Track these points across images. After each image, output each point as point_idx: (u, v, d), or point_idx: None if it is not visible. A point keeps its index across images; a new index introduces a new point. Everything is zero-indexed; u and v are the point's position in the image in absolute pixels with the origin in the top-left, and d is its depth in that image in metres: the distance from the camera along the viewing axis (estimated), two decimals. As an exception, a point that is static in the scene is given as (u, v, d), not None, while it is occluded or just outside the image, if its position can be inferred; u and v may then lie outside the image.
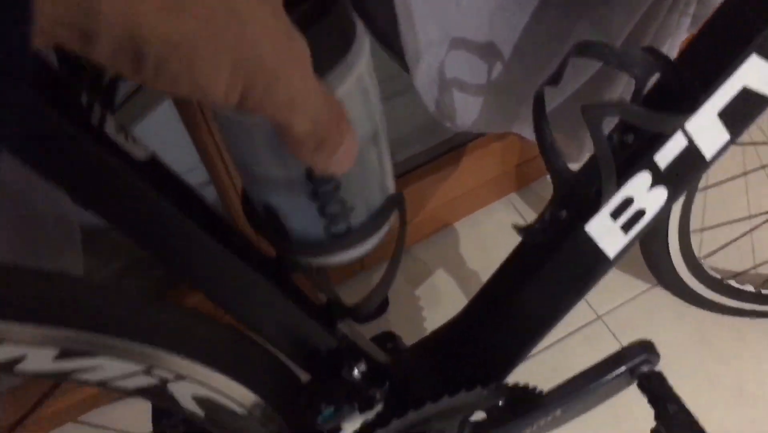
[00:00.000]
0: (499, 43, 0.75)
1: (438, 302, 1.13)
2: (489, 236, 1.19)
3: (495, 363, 0.60)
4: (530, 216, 1.21)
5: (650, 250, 0.86)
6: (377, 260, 1.13)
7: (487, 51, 0.74)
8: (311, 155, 0.29)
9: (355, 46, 0.33)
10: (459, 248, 1.18)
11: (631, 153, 0.51)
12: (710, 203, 1.06)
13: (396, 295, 1.14)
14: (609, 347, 1.15)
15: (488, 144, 1.06)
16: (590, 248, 0.54)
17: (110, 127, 0.31)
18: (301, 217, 0.38)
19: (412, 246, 1.16)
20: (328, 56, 0.32)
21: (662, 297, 1.13)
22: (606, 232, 0.54)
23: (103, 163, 0.31)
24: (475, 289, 1.13)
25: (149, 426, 0.59)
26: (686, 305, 1.06)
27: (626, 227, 0.54)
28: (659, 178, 0.52)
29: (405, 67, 0.72)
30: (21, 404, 0.82)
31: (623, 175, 0.51)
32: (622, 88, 0.75)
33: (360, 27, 0.34)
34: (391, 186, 0.42)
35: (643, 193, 0.52)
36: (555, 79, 0.47)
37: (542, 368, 0.99)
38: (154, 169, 0.35)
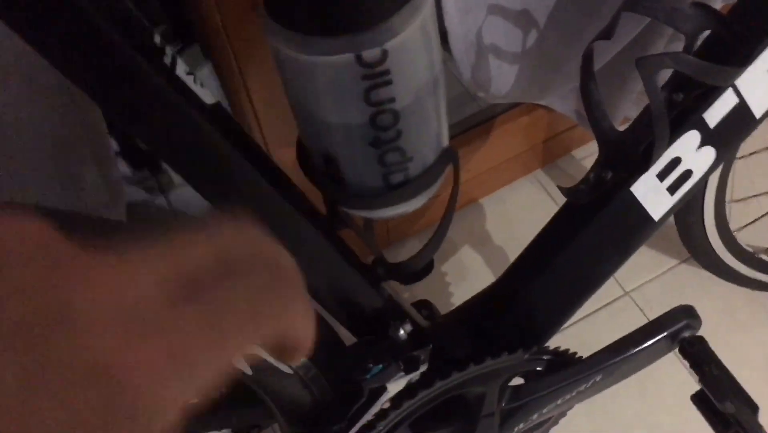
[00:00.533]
0: (533, 11, 0.74)
1: (463, 277, 1.13)
2: (515, 212, 1.18)
3: (536, 327, 0.60)
4: (555, 192, 1.20)
5: (685, 220, 0.85)
6: (404, 231, 1.13)
7: (523, 19, 0.74)
8: None
9: None
10: (485, 224, 1.18)
11: (679, 111, 0.51)
12: (744, 174, 1.05)
13: (435, 276, 1.14)
14: (637, 323, 1.13)
15: (516, 119, 1.06)
16: (636, 208, 0.54)
17: (181, 70, 0.31)
18: (359, 166, 0.38)
19: (437, 222, 1.16)
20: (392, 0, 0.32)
21: (690, 273, 1.13)
22: (652, 193, 0.53)
23: (173, 101, 0.31)
24: (500, 265, 1.13)
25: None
26: (715, 281, 1.05)
27: (672, 188, 0.54)
28: (708, 137, 0.51)
29: (440, 37, 0.71)
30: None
31: (672, 134, 0.51)
32: (663, 49, 0.75)
33: None
34: (445, 140, 0.42)
35: (691, 153, 0.52)
36: (608, 34, 0.46)
37: (571, 342, 0.99)
38: (219, 115, 0.35)
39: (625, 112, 0.89)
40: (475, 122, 1.05)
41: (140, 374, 0.16)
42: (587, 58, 0.49)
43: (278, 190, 0.39)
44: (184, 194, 1.14)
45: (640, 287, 1.12)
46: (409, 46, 0.33)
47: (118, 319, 0.16)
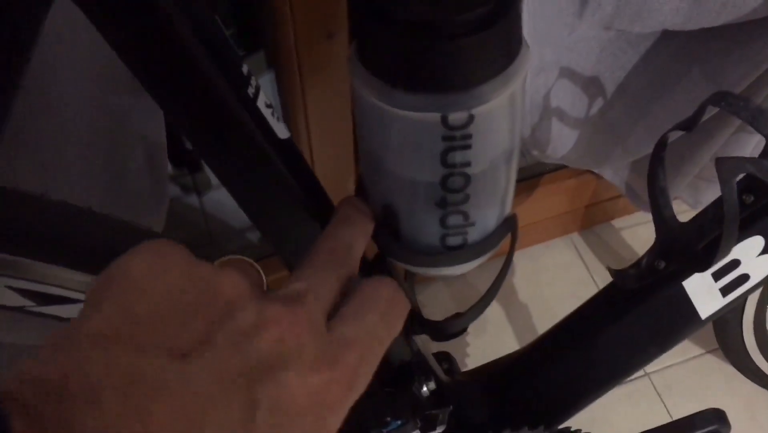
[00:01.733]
0: (603, 79, 0.73)
1: (484, 329, 1.11)
2: (545, 271, 1.16)
3: (559, 404, 0.58)
4: (589, 258, 1.18)
5: (723, 315, 0.82)
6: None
7: (591, 85, 0.73)
8: None
9: (517, 61, 0.32)
10: (513, 278, 1.16)
11: (747, 214, 0.49)
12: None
13: (442, 315, 1.12)
14: (652, 407, 1.12)
15: (563, 180, 1.04)
16: (684, 304, 0.52)
17: (261, 102, 0.31)
18: (419, 222, 0.37)
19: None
20: (488, 66, 0.31)
21: (715, 365, 1.09)
22: (704, 291, 0.52)
23: (249, 133, 0.30)
24: (523, 322, 1.11)
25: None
26: (738, 377, 1.02)
27: (726, 290, 0.52)
28: (772, 245, 0.49)
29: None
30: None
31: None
32: (726, 139, 0.73)
33: (525, 44, 0.32)
34: (509, 207, 0.40)
35: (752, 258, 0.50)
36: (689, 126, 0.45)
37: (579, 416, 0.97)
38: (290, 150, 0.34)
39: (677, 193, 0.87)
40: (521, 177, 1.03)
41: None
42: (661, 145, 0.48)
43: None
44: (218, 196, 1.14)
45: (661, 370, 1.09)
46: (495, 114, 0.32)
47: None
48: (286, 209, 0.35)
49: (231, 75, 0.29)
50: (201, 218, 1.13)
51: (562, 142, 0.74)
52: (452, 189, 0.34)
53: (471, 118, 0.31)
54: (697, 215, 0.51)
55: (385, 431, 0.48)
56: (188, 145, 1.06)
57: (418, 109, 0.30)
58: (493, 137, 0.33)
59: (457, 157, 0.33)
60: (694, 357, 1.10)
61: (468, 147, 0.32)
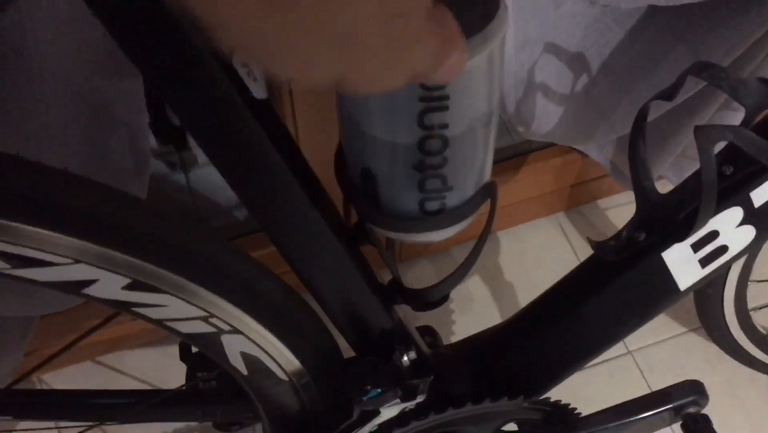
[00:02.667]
0: (588, 56, 0.73)
1: (470, 308, 1.11)
2: (530, 251, 1.17)
3: (540, 376, 0.59)
4: (574, 238, 1.18)
5: (704, 291, 0.83)
6: (417, 250, 1.12)
7: (576, 62, 0.73)
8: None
9: (494, 23, 0.32)
10: (499, 258, 1.16)
11: (727, 185, 0.49)
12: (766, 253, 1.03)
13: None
14: (635, 384, 1.13)
15: (548, 158, 1.05)
16: (663, 275, 0.52)
17: (237, 60, 0.31)
18: (398, 186, 0.37)
19: (452, 247, 1.15)
20: (464, 26, 0.31)
21: (697, 344, 1.11)
22: (683, 262, 0.52)
23: (224, 90, 0.30)
24: (509, 301, 1.12)
25: (164, 377, 0.59)
26: (719, 355, 1.03)
27: (705, 261, 0.52)
28: (751, 216, 0.50)
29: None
30: (53, 335, 0.82)
31: (715, 206, 0.49)
32: (710, 117, 0.73)
33: (504, 6, 0.32)
34: (488, 174, 0.40)
35: (731, 229, 0.51)
36: (669, 95, 0.45)
37: (564, 393, 0.98)
38: (266, 112, 0.34)
39: (661, 171, 0.88)
40: (507, 155, 1.04)
41: None
42: (642, 116, 0.48)
43: (309, 194, 0.38)
44: (204, 174, 1.13)
45: (644, 348, 1.10)
46: (473, 75, 0.32)
47: None
48: (264, 172, 0.35)
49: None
50: (188, 195, 1.12)
51: (546, 118, 0.74)
52: (430, 151, 0.34)
53: None
54: (677, 187, 0.52)
55: (365, 399, 0.48)
56: (175, 122, 1.05)
57: None
58: (471, 99, 0.33)
59: (435, 118, 0.33)
60: (677, 335, 1.11)
61: (445, 108, 0.33)
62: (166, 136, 1.08)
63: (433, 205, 0.38)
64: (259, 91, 0.32)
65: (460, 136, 0.34)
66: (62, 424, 0.59)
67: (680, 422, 0.60)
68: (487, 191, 0.40)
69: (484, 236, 0.42)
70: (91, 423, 0.57)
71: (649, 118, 0.74)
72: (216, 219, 1.09)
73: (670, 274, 0.52)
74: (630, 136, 0.49)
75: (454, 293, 1.12)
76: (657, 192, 0.50)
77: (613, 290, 0.54)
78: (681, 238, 0.49)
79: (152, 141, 1.08)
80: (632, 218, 0.52)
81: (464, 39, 0.27)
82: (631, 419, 0.59)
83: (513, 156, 1.04)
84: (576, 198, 1.18)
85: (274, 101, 0.72)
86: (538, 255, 1.16)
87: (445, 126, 0.33)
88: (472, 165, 0.37)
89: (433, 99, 0.32)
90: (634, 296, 0.54)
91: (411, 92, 0.31)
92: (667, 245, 0.51)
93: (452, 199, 0.38)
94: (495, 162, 1.09)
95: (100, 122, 0.53)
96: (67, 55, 0.49)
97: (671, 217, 0.50)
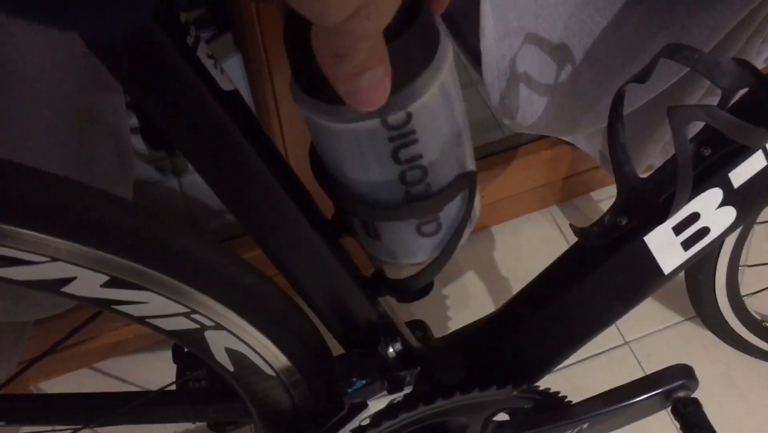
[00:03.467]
0: (571, 46, 0.73)
1: (465, 303, 1.11)
2: (525, 245, 1.17)
3: (530, 364, 0.59)
4: (568, 231, 1.19)
5: (696, 278, 0.83)
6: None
7: (559, 52, 0.73)
8: (334, 64, 0.26)
9: (438, 54, 0.34)
10: (493, 252, 1.16)
11: (705, 167, 0.49)
12: (763, 240, 1.02)
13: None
14: (632, 374, 1.12)
15: (539, 151, 1.05)
16: (646, 259, 0.52)
17: (202, 52, 0.31)
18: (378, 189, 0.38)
19: (446, 244, 1.15)
20: (412, 65, 0.33)
21: (693, 332, 1.11)
22: (665, 246, 0.52)
23: (189, 82, 0.30)
24: (503, 296, 1.12)
25: (162, 381, 0.59)
26: (717, 344, 1.03)
27: (687, 244, 0.52)
28: (730, 197, 0.50)
29: (472, 59, 0.71)
30: (47, 337, 0.82)
31: (694, 188, 0.49)
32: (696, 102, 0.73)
33: (443, 33, 0.35)
34: (470, 165, 0.41)
35: (711, 210, 0.51)
36: (642, 77, 0.45)
37: (562, 385, 0.98)
38: (235, 103, 0.34)
39: (650, 161, 0.88)
40: (497, 149, 1.04)
41: None
42: (618, 99, 0.48)
43: (285, 188, 0.39)
44: (197, 178, 1.14)
45: (640, 338, 1.10)
46: (431, 106, 0.34)
47: None
48: (235, 163, 0.35)
49: (170, 23, 0.29)
50: (181, 200, 1.13)
51: (531, 109, 0.74)
52: (412, 181, 0.37)
53: (409, 115, 0.33)
54: (656, 170, 0.52)
55: (350, 391, 0.48)
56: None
57: (360, 119, 0.32)
58: (436, 126, 0.35)
59: (408, 152, 0.35)
60: (674, 324, 1.11)
61: (415, 141, 0.35)
62: (155, 142, 1.08)
63: (416, 189, 0.38)
64: (225, 83, 0.32)
65: (435, 159, 0.36)
66: (50, 428, 0.59)
67: (670, 407, 0.59)
68: (466, 180, 0.41)
69: (464, 220, 0.42)
70: (78, 426, 0.57)
71: (632, 107, 0.74)
72: (209, 222, 1.09)
73: (653, 257, 0.52)
74: (608, 122, 0.50)
75: (449, 289, 1.13)
76: (637, 176, 0.50)
77: (598, 275, 0.54)
78: (661, 220, 0.49)
79: (142, 147, 1.09)
80: (614, 203, 0.52)
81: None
82: (622, 404, 0.59)
83: (503, 150, 1.04)
84: (569, 191, 1.18)
85: (257, 101, 0.73)
86: (533, 249, 1.16)
87: (419, 157, 0.35)
88: (453, 170, 0.39)
89: (402, 136, 0.34)
90: (619, 281, 0.54)
91: (378, 135, 0.33)
92: (648, 228, 0.51)
93: (434, 186, 0.39)
94: (485, 156, 1.09)
95: (80, 125, 0.53)
96: (47, 57, 0.50)
97: (651, 200, 0.50)
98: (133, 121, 1.05)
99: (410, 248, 0.42)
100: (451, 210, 0.41)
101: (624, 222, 0.52)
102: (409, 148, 0.35)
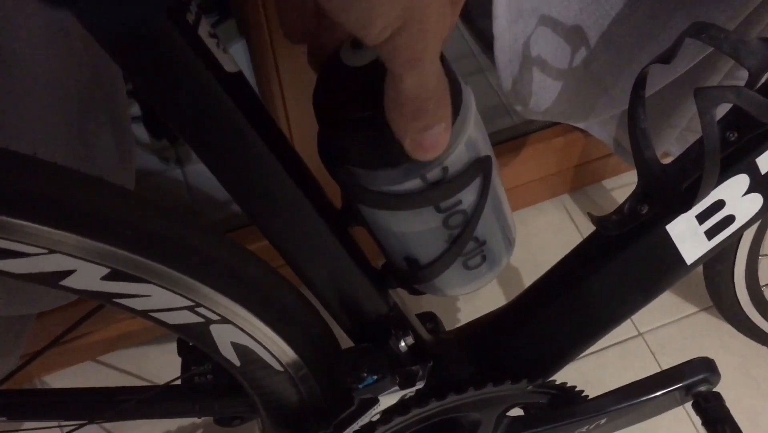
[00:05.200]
0: (586, 28, 0.71)
1: (475, 294, 1.09)
2: (536, 235, 1.15)
3: (545, 358, 0.57)
4: (580, 220, 1.16)
5: (714, 267, 0.81)
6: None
7: (574, 35, 0.71)
8: (407, 122, 0.29)
9: (462, 112, 0.34)
10: (504, 242, 1.14)
11: (731, 152, 0.47)
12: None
13: (440, 298, 1.11)
14: (646, 366, 1.11)
15: (550, 139, 1.02)
16: (668, 249, 0.50)
17: (203, 31, 0.29)
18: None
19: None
20: None
21: (709, 323, 1.08)
22: (689, 235, 0.50)
23: (190, 62, 0.28)
24: (514, 286, 1.10)
25: (168, 374, 0.57)
26: (733, 335, 1.01)
27: (711, 233, 0.50)
28: (757, 183, 0.48)
29: (482, 44, 0.69)
30: (50, 331, 0.81)
31: (720, 174, 0.47)
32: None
33: (466, 89, 0.35)
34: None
35: (737, 198, 0.49)
36: (667, 58, 0.43)
37: (574, 377, 0.96)
38: (239, 85, 0.32)
39: (666, 147, 0.85)
40: (507, 136, 1.02)
41: None
42: (640, 82, 0.46)
43: (292, 175, 0.37)
44: (201, 168, 1.12)
45: (655, 329, 1.08)
46: (462, 157, 0.35)
47: None
48: (239, 149, 0.33)
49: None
50: (185, 190, 1.11)
51: (544, 95, 0.72)
52: (454, 225, 0.39)
53: (445, 170, 0.35)
54: (679, 156, 0.50)
55: (361, 387, 0.47)
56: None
57: (399, 181, 0.35)
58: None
59: (449, 202, 0.37)
60: (689, 315, 1.09)
61: (455, 192, 0.37)
62: (158, 131, 1.06)
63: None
64: (229, 64, 0.30)
65: (474, 201, 0.38)
66: (54, 423, 0.58)
67: (691, 401, 0.58)
68: (480, 165, 0.39)
69: (478, 211, 0.40)
70: (83, 422, 0.55)
71: (651, 90, 0.72)
72: (214, 213, 1.08)
73: (675, 247, 0.50)
74: (629, 105, 0.47)
75: (459, 280, 1.10)
76: (659, 162, 0.48)
77: (617, 266, 0.52)
78: (685, 208, 0.47)
79: (145, 136, 1.07)
80: (634, 190, 0.50)
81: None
82: (641, 399, 0.57)
83: (513, 137, 1.02)
84: (580, 179, 1.16)
85: (262, 88, 0.71)
86: (544, 238, 1.14)
87: (459, 203, 0.38)
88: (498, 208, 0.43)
89: (443, 193, 0.36)
90: (639, 271, 0.52)
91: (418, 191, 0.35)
92: (671, 216, 0.49)
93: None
94: (495, 144, 1.07)
95: (80, 113, 0.52)
96: (45, 45, 0.48)
97: (674, 187, 0.48)
98: (135, 109, 1.04)
99: (458, 283, 0.45)
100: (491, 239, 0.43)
101: (645, 210, 0.50)
102: (450, 199, 0.37)
